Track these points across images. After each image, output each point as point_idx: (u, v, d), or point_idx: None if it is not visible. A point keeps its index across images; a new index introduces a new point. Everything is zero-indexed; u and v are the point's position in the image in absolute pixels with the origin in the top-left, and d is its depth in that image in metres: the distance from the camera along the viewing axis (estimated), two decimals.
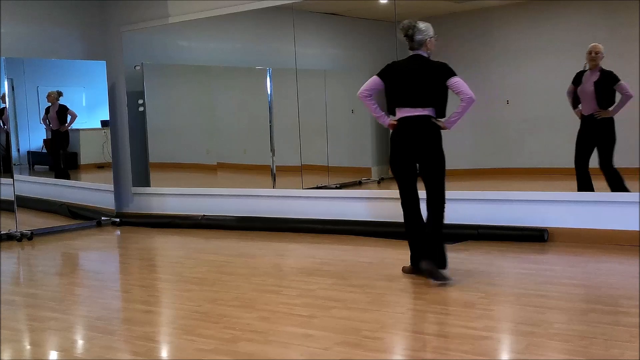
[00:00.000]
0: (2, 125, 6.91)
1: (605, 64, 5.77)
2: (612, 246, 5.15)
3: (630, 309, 3.54)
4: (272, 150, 7.54)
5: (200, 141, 8.15)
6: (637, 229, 5.10)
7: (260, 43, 7.89)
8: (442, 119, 4.32)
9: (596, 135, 5.71)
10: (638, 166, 5.92)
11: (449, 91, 4.27)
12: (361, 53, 7.95)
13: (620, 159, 6.16)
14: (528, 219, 5.53)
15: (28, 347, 3.47)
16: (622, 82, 5.57)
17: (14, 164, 6.97)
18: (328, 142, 7.95)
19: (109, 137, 7.84)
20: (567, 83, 5.88)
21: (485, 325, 3.39)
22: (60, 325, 3.75)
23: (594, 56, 5.67)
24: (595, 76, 5.67)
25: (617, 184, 5.54)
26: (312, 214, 6.62)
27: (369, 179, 7.90)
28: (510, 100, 7.31)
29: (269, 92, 7.57)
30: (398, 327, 3.50)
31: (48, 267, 5.67)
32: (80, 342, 3.54)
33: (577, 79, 5.77)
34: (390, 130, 4.40)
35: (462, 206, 5.81)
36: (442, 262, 4.31)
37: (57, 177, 7.86)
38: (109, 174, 7.79)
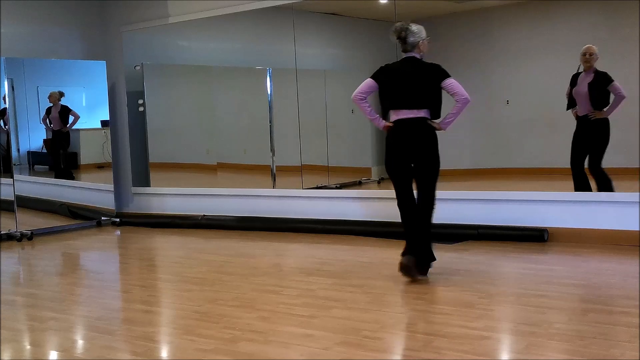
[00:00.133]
0: (2, 125, 6.91)
1: (606, 65, 5.78)
2: (612, 246, 5.15)
3: (630, 309, 3.54)
4: (272, 150, 7.54)
5: (200, 141, 8.15)
6: (637, 229, 5.10)
7: (260, 43, 7.89)
8: (437, 120, 4.35)
9: (590, 136, 5.73)
10: (637, 166, 5.93)
11: (443, 92, 4.31)
12: (361, 53, 7.95)
13: (620, 159, 6.17)
14: (528, 219, 5.53)
15: (28, 347, 3.47)
16: (615, 82, 5.59)
17: (14, 164, 6.98)
18: (328, 142, 7.95)
19: (109, 137, 7.84)
20: (567, 83, 5.89)
21: (485, 325, 3.39)
22: (60, 325, 3.75)
23: (588, 58, 5.70)
24: (590, 77, 5.70)
25: (604, 185, 5.56)
26: (312, 214, 6.62)
27: (369, 179, 7.90)
28: (510, 100, 7.31)
29: (269, 92, 7.57)
30: (398, 327, 3.50)
31: (48, 267, 5.67)
32: (80, 342, 3.54)
33: (573, 81, 5.81)
34: (386, 132, 4.43)
35: (462, 206, 5.82)
36: (426, 260, 4.36)
37: (57, 177, 7.86)
38: (109, 174, 7.79)
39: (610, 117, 5.69)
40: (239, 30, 7.80)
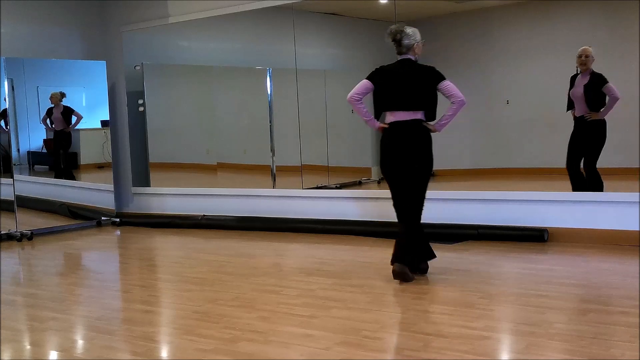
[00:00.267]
0: (3, 125, 6.91)
1: (605, 65, 5.78)
2: (612, 246, 5.15)
3: (630, 309, 3.54)
4: (272, 150, 7.54)
5: (200, 141, 8.15)
6: (637, 229, 5.10)
7: (260, 43, 7.89)
8: (432, 122, 4.38)
9: (587, 136, 5.75)
10: (637, 166, 5.93)
11: (437, 94, 4.34)
12: (361, 53, 7.95)
13: (620, 159, 6.17)
14: (528, 219, 5.53)
15: (28, 347, 3.47)
16: (609, 84, 5.62)
17: (14, 164, 6.98)
18: (328, 142, 7.95)
19: (109, 137, 7.84)
20: (567, 83, 5.89)
21: (485, 325, 3.40)
22: (60, 325, 3.75)
23: (584, 60, 5.73)
24: (586, 79, 5.73)
25: (594, 185, 5.58)
26: (312, 214, 6.62)
27: (369, 179, 7.90)
28: (510, 100, 7.31)
29: (269, 92, 7.57)
30: (398, 327, 3.50)
31: (48, 267, 5.67)
32: (80, 342, 3.54)
33: (572, 82, 5.84)
34: (381, 134, 4.46)
35: (462, 206, 5.82)
36: (425, 258, 4.39)
37: (58, 177, 7.86)
38: (109, 174, 7.79)
39: (611, 118, 5.70)
40: (239, 30, 7.80)
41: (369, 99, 4.48)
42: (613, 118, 5.72)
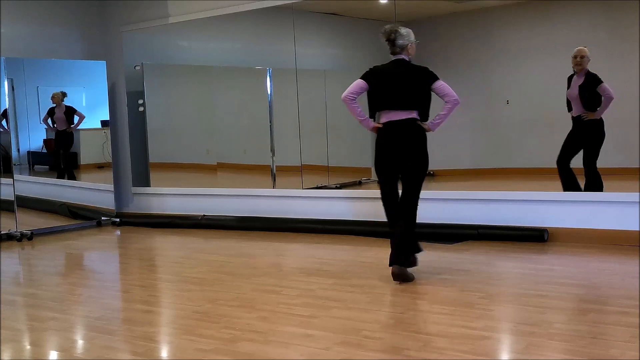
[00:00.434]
0: (5, 125, 6.91)
1: (605, 65, 5.79)
2: (612, 246, 5.15)
3: (630, 309, 3.54)
4: (272, 150, 7.54)
5: (200, 141, 8.15)
6: (637, 229, 5.10)
7: (260, 43, 7.89)
8: (426, 122, 4.39)
9: (584, 136, 5.77)
10: (637, 166, 5.93)
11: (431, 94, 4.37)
12: (361, 53, 7.95)
13: (620, 159, 6.17)
14: (528, 219, 5.53)
15: (28, 347, 3.47)
16: (603, 84, 5.64)
17: (14, 164, 6.98)
18: (328, 142, 7.95)
19: (109, 137, 7.84)
20: (567, 83, 5.90)
21: (485, 325, 3.40)
22: (60, 325, 3.75)
23: (579, 60, 5.75)
24: (581, 79, 5.76)
25: (594, 185, 5.59)
26: (312, 214, 6.62)
27: (369, 179, 7.90)
28: (510, 100, 7.31)
29: (269, 92, 7.57)
30: (398, 327, 3.50)
31: (48, 267, 5.67)
32: (80, 342, 3.54)
33: (569, 83, 5.86)
34: (375, 133, 4.47)
35: (462, 206, 5.82)
36: (408, 261, 4.37)
37: (60, 177, 7.86)
38: (109, 174, 7.79)
39: (611, 118, 5.71)
40: (239, 30, 7.79)
41: (362, 100, 4.49)
42: (613, 118, 5.72)
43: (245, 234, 6.61)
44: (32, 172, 7.62)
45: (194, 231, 6.96)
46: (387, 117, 4.37)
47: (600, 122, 5.70)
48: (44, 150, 7.70)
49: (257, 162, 7.87)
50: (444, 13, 7.62)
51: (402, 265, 4.31)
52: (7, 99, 6.90)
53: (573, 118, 5.84)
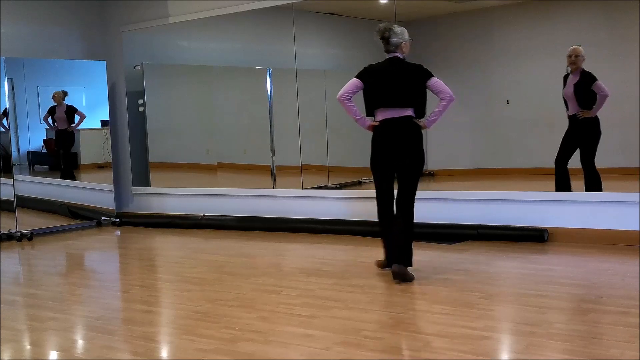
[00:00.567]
0: (6, 125, 6.90)
1: (605, 65, 5.79)
2: (612, 246, 5.15)
3: (630, 309, 3.54)
4: (272, 150, 7.54)
5: (200, 141, 8.15)
6: (637, 229, 5.10)
7: (260, 43, 7.89)
8: (422, 119, 4.42)
9: (580, 134, 5.78)
10: (637, 166, 5.93)
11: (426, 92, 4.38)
12: (361, 53, 7.93)
13: (620, 159, 6.17)
14: (528, 219, 5.53)
15: (28, 347, 3.47)
16: (598, 82, 5.66)
17: (14, 164, 6.98)
18: (328, 142, 7.95)
19: (109, 137, 7.84)
20: None
21: (485, 325, 3.39)
22: (60, 325, 3.75)
23: (574, 59, 5.78)
24: (576, 78, 5.78)
25: (594, 184, 5.60)
26: (312, 214, 6.62)
27: (369, 179, 7.86)
28: (510, 100, 7.31)
29: (269, 92, 7.57)
30: (398, 327, 3.50)
31: (48, 267, 5.67)
32: (80, 342, 3.54)
33: (564, 82, 5.86)
34: (371, 131, 4.48)
35: (462, 206, 5.82)
36: (409, 261, 4.37)
37: (63, 177, 7.86)
38: (109, 174, 7.79)
39: (611, 117, 5.71)
40: (239, 30, 7.79)
41: (359, 99, 4.49)
42: (613, 118, 5.73)
43: (245, 234, 6.61)
44: (32, 172, 7.62)
45: (194, 231, 6.95)
46: (383, 115, 4.39)
47: (595, 120, 5.70)
48: (44, 150, 7.70)
49: (257, 162, 7.87)
50: (444, 13, 7.62)
51: (403, 264, 4.31)
52: (7, 99, 6.91)
53: (569, 117, 5.85)
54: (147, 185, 7.87)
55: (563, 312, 3.65)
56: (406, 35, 4.42)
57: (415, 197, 4.43)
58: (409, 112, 4.36)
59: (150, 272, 5.35)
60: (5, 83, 6.90)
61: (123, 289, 4.76)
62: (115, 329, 3.65)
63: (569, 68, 5.82)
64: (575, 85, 5.75)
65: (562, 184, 5.80)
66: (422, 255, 4.93)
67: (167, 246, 6.49)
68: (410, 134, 4.34)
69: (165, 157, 8.03)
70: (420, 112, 4.39)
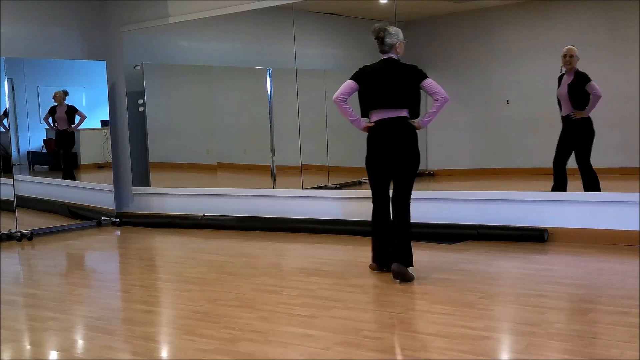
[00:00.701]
0: (6, 124, 6.90)
1: (605, 65, 5.79)
2: (612, 246, 5.15)
3: (630, 309, 3.54)
4: (272, 150, 7.54)
5: (200, 141, 8.15)
6: (637, 229, 5.10)
7: (260, 43, 7.89)
8: (416, 120, 4.43)
9: (573, 135, 5.79)
10: (637, 166, 5.93)
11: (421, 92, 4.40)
12: (361, 53, 7.91)
13: (620, 159, 6.17)
14: (528, 219, 5.53)
15: (28, 347, 3.47)
16: (591, 82, 5.68)
17: (14, 164, 6.98)
18: (328, 142, 7.95)
19: (109, 137, 7.84)
20: None
21: (485, 325, 3.40)
22: (60, 325, 3.75)
23: (568, 60, 5.79)
24: (570, 78, 5.80)
25: (591, 183, 5.60)
26: (312, 214, 6.62)
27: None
28: (510, 100, 7.31)
29: (269, 92, 7.57)
30: (398, 327, 3.50)
31: (48, 267, 5.67)
32: (80, 342, 3.54)
33: (559, 82, 5.86)
34: (366, 132, 4.49)
35: (462, 206, 5.82)
36: (409, 260, 4.36)
37: (65, 177, 7.86)
38: (109, 174, 7.79)
39: (611, 117, 5.71)
40: (239, 30, 7.79)
41: (353, 100, 4.51)
42: (613, 118, 5.73)
43: (245, 234, 6.61)
44: (32, 172, 7.62)
45: (194, 231, 6.96)
46: (378, 115, 4.41)
47: (588, 121, 5.71)
48: (44, 150, 7.70)
49: (257, 162, 7.87)
50: (444, 13, 7.62)
51: (403, 264, 4.31)
52: (7, 99, 6.91)
53: (562, 118, 5.86)
54: (147, 185, 7.87)
55: (563, 312, 3.65)
56: (401, 36, 4.44)
57: (412, 197, 4.43)
58: (404, 112, 4.37)
59: (150, 272, 5.35)
60: (5, 83, 6.90)
61: (123, 289, 4.76)
62: (115, 329, 3.65)
63: (563, 68, 5.83)
64: (569, 85, 5.76)
65: (559, 186, 5.80)
66: (422, 255, 4.93)
67: (167, 246, 6.49)
68: (405, 134, 4.36)
69: (165, 157, 8.03)
70: (415, 112, 4.41)
